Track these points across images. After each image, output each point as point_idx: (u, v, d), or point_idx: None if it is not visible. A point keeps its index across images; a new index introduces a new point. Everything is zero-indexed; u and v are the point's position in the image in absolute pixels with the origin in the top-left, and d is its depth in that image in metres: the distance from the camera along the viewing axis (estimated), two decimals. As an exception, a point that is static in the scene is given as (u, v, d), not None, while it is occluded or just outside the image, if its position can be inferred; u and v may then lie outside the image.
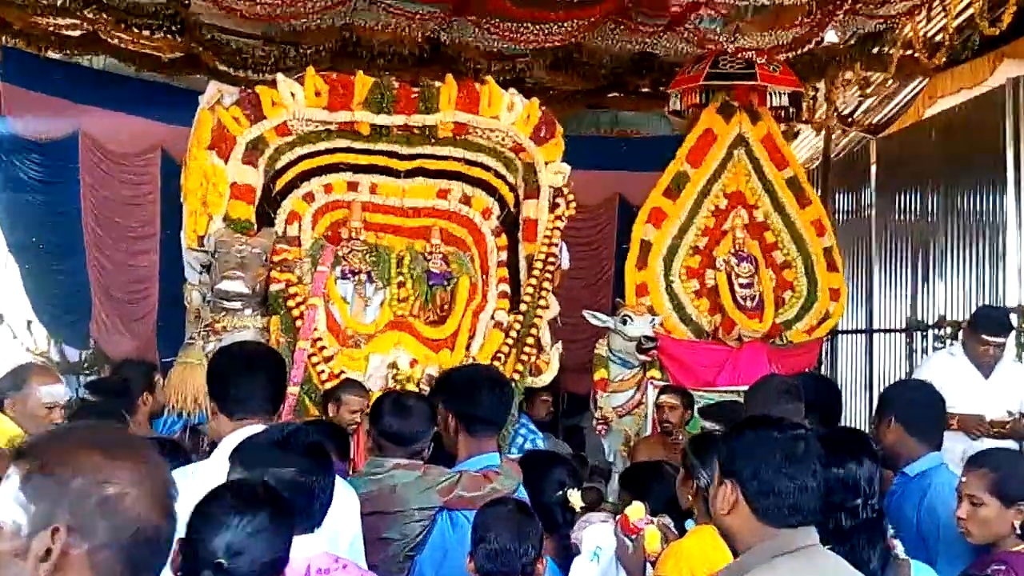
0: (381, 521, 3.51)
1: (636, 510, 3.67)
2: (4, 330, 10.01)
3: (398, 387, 6.54)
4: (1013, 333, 6.94)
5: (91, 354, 9.98)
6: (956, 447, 5.50)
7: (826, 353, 11.83)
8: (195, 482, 3.01)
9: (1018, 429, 6.30)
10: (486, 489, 3.53)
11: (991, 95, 10.06)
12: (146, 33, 8.96)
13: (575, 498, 3.87)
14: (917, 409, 4.25)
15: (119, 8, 8.64)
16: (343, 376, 6.52)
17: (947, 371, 6.27)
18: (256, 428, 3.09)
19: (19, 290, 9.84)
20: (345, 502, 3.14)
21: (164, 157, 9.67)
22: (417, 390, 6.06)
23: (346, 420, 5.71)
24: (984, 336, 6.26)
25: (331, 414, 5.83)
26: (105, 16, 8.71)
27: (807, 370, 8.26)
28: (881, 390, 5.35)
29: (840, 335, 12.16)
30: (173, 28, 8.84)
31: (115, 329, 9.76)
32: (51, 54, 9.51)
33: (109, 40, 9.13)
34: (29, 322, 9.98)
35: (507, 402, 3.92)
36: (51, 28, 9.07)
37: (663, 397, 6.93)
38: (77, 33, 9.20)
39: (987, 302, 9.88)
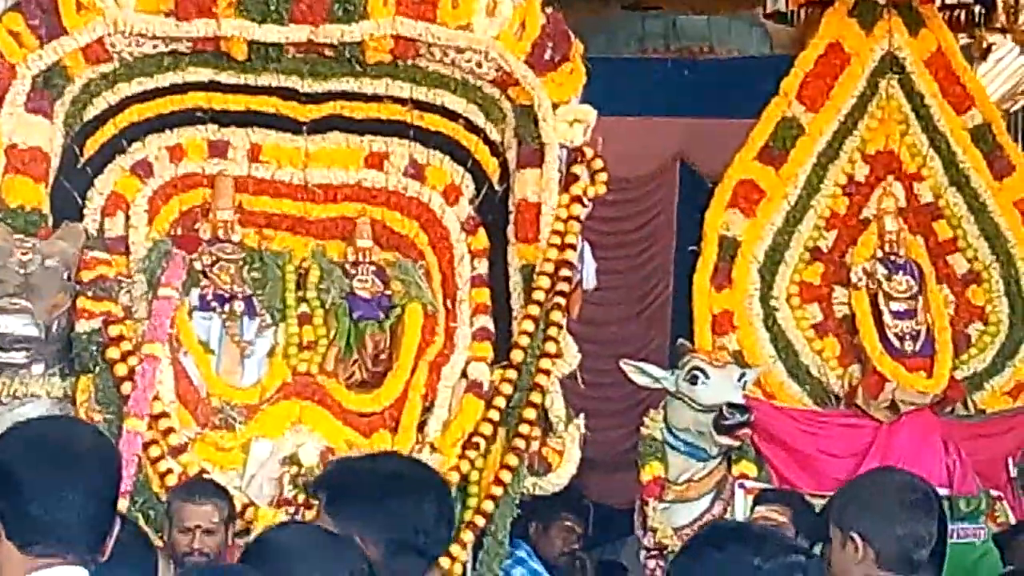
0: None
1: None
2: None
3: (301, 496, 6.53)
4: None
5: None
6: None
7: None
8: None
9: None
10: None
11: None
12: None
13: None
14: None
15: None
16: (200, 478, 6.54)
17: None
18: (65, 572, 3.08)
19: None
20: None
21: None
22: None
23: (180, 546, 5.79)
24: None
25: (165, 539, 5.94)
26: None
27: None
28: None
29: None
30: None
31: None
32: None
33: None
34: None
35: (452, 521, 3.96)
36: None
37: (762, 510, 6.90)
38: None
39: None
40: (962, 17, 9.08)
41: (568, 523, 8.20)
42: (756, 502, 7.12)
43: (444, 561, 6.52)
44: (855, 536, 4.44)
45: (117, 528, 3.31)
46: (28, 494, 3.11)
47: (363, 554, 3.54)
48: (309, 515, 5.87)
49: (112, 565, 3.34)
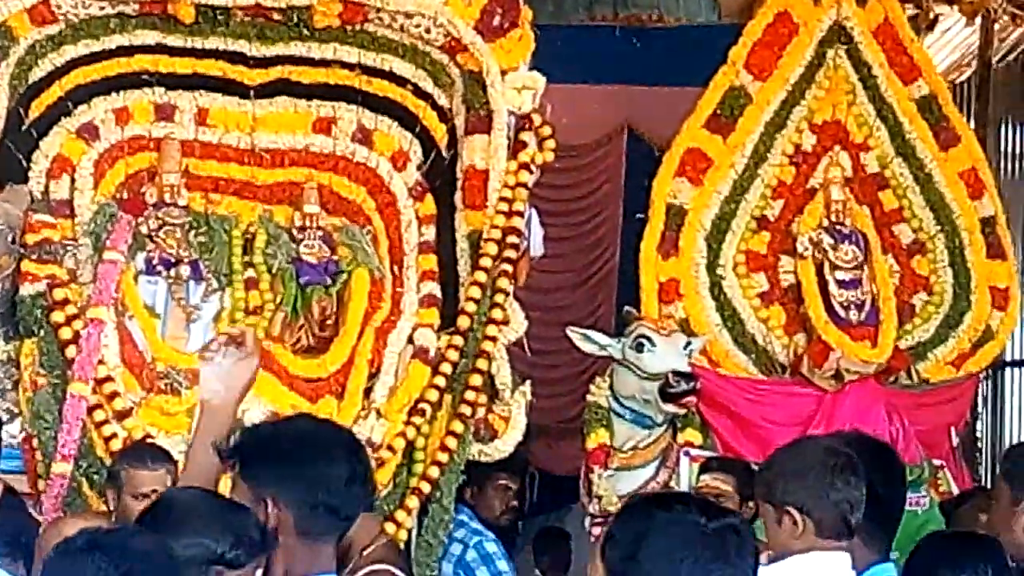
0: None
1: None
2: None
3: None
4: None
5: None
6: None
7: (985, 398, 11.92)
8: None
9: None
10: None
11: None
12: None
13: None
14: None
15: None
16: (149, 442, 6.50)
17: None
18: None
19: None
20: None
21: None
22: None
23: (134, 512, 5.72)
24: None
25: (111, 506, 5.90)
26: None
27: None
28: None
29: (1010, 368, 12.25)
30: None
31: None
32: None
33: None
34: None
35: (366, 483, 3.98)
36: None
37: (706, 478, 6.93)
38: None
39: None
40: (911, -12, 9.12)
41: (502, 481, 8.18)
42: (701, 470, 7.16)
43: (389, 527, 6.57)
44: (791, 510, 4.51)
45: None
46: None
47: (256, 522, 3.60)
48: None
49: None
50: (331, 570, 3.79)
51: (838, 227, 8.53)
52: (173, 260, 7.25)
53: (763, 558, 4.78)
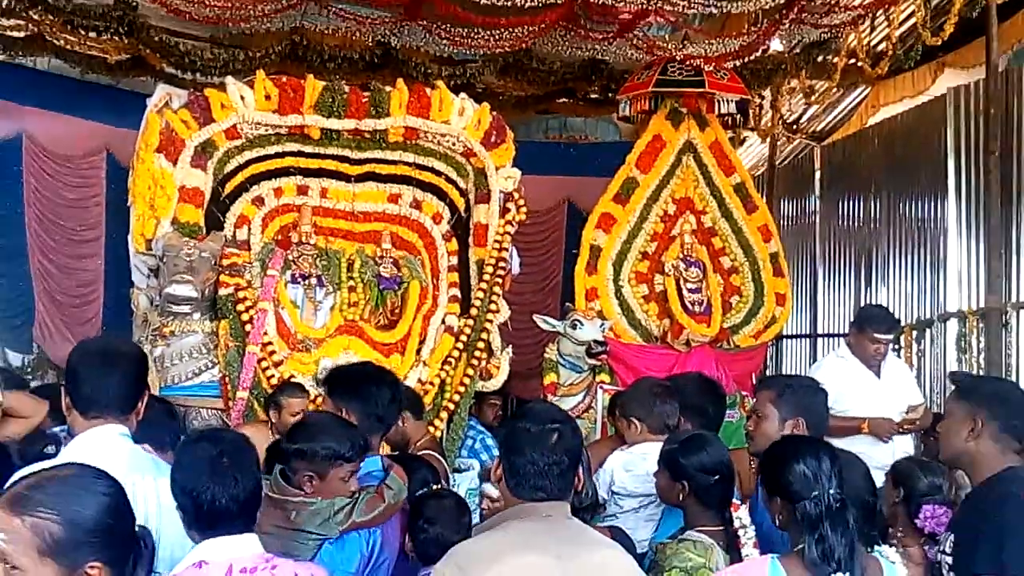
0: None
1: None
2: (-55, 335, 9.83)
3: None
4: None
5: (34, 359, 9.83)
6: (870, 452, 5.41)
7: (771, 357, 11.97)
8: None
9: (925, 422, 6.52)
10: (378, 509, 3.52)
11: (932, 104, 10.29)
12: (92, 35, 8.86)
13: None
14: (818, 415, 4.15)
15: (65, 10, 8.53)
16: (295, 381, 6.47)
17: (841, 374, 6.28)
18: (110, 428, 3.04)
19: (-40, 294, 9.66)
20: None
21: (110, 160, 9.58)
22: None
23: (287, 424, 5.69)
24: (875, 335, 6.36)
25: (273, 420, 5.80)
26: (51, 17, 8.61)
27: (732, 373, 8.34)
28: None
29: (785, 339, 12.30)
30: (120, 30, 8.74)
31: (59, 333, 9.62)
32: (-5, 55, 9.38)
33: (55, 41, 9.02)
34: (-29, 327, 9.80)
35: (400, 402, 3.99)
36: (-5, 29, 8.94)
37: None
38: (22, 34, 9.08)
39: (929, 307, 10.08)
40: (729, 120, 9.14)
41: (492, 400, 8.20)
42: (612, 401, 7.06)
43: (431, 428, 6.56)
44: (633, 419, 4.62)
45: (147, 403, 3.22)
46: (83, 380, 3.09)
47: (362, 434, 3.59)
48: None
49: (148, 428, 3.27)
50: (376, 455, 3.79)
51: (688, 258, 8.54)
52: (307, 275, 7.23)
53: (624, 447, 4.85)
